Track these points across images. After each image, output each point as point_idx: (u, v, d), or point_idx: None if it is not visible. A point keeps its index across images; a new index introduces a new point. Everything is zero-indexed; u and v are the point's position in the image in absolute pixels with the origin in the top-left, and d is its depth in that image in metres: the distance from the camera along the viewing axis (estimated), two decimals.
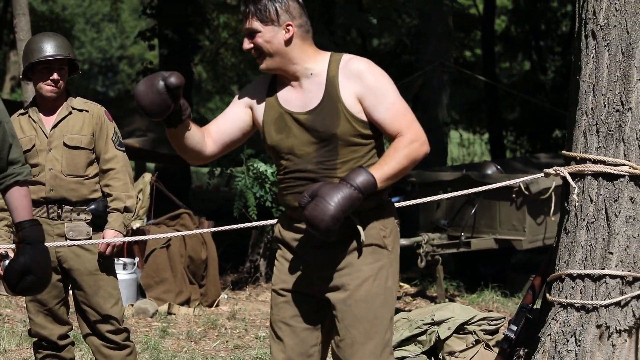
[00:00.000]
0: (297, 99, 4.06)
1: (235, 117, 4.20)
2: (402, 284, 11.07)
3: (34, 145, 5.46)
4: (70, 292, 5.66)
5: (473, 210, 10.13)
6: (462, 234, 10.05)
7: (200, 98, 34.29)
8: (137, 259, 9.64)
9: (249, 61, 27.00)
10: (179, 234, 6.09)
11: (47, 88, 5.44)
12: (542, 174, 4.92)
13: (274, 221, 4.75)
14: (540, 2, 26.42)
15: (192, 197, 18.16)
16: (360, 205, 3.88)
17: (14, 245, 3.96)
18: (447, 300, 9.64)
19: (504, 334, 5.34)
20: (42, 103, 5.54)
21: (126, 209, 5.55)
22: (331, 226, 3.79)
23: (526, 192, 9.80)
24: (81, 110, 5.55)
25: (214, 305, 9.69)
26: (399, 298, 10.31)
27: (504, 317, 7.09)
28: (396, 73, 22.11)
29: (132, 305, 9.17)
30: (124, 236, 5.61)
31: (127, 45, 50.14)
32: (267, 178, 10.30)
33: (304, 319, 4.12)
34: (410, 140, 3.92)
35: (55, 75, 5.42)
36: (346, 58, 4.04)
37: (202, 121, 18.60)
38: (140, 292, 9.62)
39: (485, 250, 10.39)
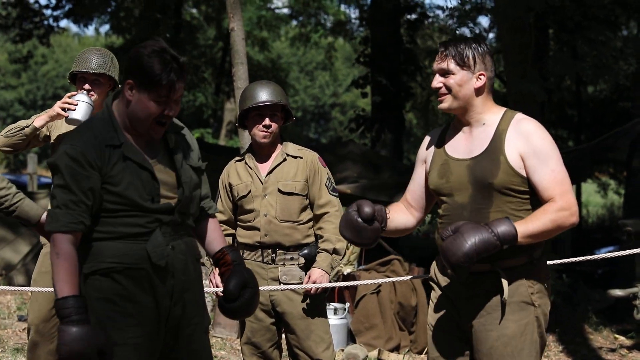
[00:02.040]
0: (463, 146, 4.27)
1: (420, 178, 4.49)
2: (617, 335, 10.75)
3: (249, 191, 5.59)
4: (283, 335, 5.76)
5: None
6: None
7: (410, 145, 34.41)
8: (347, 304, 9.70)
9: None
10: (390, 279, 6.09)
11: (260, 134, 5.57)
12: None
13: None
14: None
15: (402, 244, 18.20)
16: (510, 261, 4.12)
17: None
18: None
19: None
20: (257, 149, 5.67)
21: (335, 251, 5.60)
22: (462, 262, 3.95)
23: None
24: (295, 157, 5.65)
25: (424, 352, 9.64)
26: (613, 350, 10.01)
27: None
28: (611, 120, 21.63)
29: (343, 350, 9.23)
30: (333, 281, 5.68)
31: (340, 92, 50.94)
32: None
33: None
34: (560, 207, 4.04)
35: (267, 121, 5.56)
36: (519, 117, 4.22)
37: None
38: (351, 338, 9.68)
39: None
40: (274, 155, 5.66)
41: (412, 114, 28.51)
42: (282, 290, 5.54)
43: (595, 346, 10.29)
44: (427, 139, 4.49)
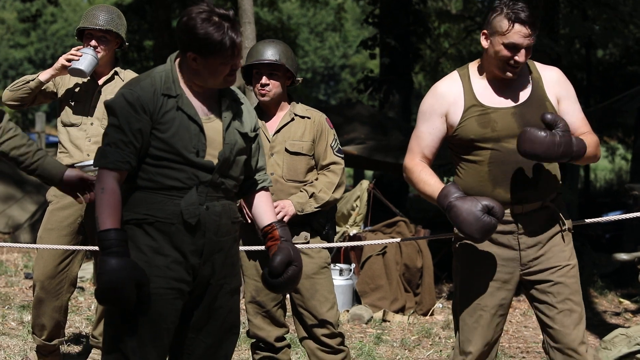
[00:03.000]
0: (500, 95, 4.52)
1: (439, 132, 4.61)
2: (621, 299, 10.78)
3: None
4: (288, 295, 5.77)
5: None
6: None
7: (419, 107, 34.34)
8: (353, 265, 9.73)
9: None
10: (395, 240, 6.10)
11: (258, 92, 5.54)
12: None
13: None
14: None
15: (409, 205, 18.20)
16: (552, 196, 4.53)
17: None
18: None
19: None
20: (264, 108, 5.65)
21: (314, 196, 5.53)
22: (537, 146, 4.25)
23: None
24: (303, 117, 5.63)
25: (429, 314, 9.68)
26: (617, 314, 10.04)
27: None
28: (621, 84, 21.55)
29: (348, 311, 9.26)
30: (339, 241, 5.66)
31: (350, 54, 50.82)
32: None
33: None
34: (598, 143, 4.56)
35: (264, 80, 5.50)
36: (540, 65, 4.63)
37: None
38: (356, 298, 9.72)
39: None
40: (281, 114, 5.64)
41: (421, 76, 28.44)
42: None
43: (600, 310, 10.33)
44: (441, 91, 4.62)
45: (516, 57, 4.37)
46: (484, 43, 4.48)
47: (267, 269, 4.11)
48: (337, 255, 10.00)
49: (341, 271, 9.48)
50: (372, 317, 9.21)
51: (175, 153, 3.90)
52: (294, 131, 5.58)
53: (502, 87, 4.50)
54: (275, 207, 5.36)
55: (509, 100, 4.48)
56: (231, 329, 4.15)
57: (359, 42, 21.33)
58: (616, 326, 8.80)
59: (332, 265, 5.99)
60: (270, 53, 5.52)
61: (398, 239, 6.73)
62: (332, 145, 5.63)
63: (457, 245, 4.63)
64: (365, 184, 10.86)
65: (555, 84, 4.54)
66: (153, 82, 3.94)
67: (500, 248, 4.52)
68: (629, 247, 11.09)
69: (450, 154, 4.66)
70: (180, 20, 3.92)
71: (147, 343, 3.88)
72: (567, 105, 4.53)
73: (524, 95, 4.49)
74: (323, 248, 5.60)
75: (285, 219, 5.42)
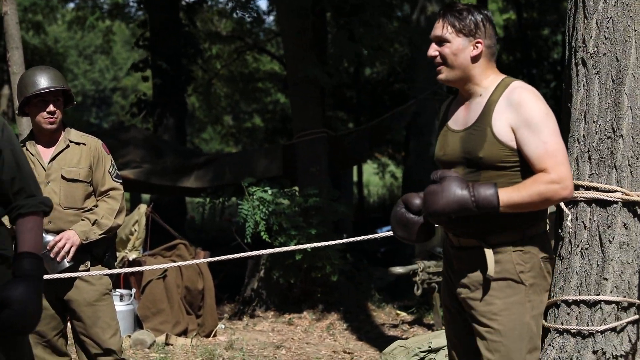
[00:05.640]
0: (462, 117, 4.15)
1: None
2: (399, 312, 11.09)
3: None
4: (69, 323, 5.68)
5: None
6: None
7: (194, 128, 34.34)
8: (133, 290, 9.65)
9: (241, 91, 27.07)
10: (175, 264, 6.08)
11: (45, 121, 5.48)
12: None
13: (269, 251, 4.83)
14: (531, 30, 26.54)
15: (187, 227, 18.17)
16: (499, 237, 4.03)
17: None
18: (443, 327, 9.65)
19: None
20: (40, 136, 5.57)
21: (97, 223, 5.50)
22: (435, 216, 3.92)
23: None
24: (78, 144, 5.59)
25: (212, 335, 9.70)
26: (395, 326, 10.31)
27: None
28: (389, 101, 22.21)
29: (130, 336, 9.17)
30: (119, 267, 5.63)
31: (120, 77, 50.26)
32: (268, 203, 10.40)
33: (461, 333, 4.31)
34: (551, 180, 3.91)
35: (51, 107, 5.47)
36: (514, 85, 4.06)
37: (197, 151, 18.65)
38: (138, 323, 9.63)
39: None
40: (57, 142, 5.58)
41: (195, 97, 28.46)
42: (66, 278, 5.46)
43: (379, 323, 10.60)
44: (441, 109, 4.37)
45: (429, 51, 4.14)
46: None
47: None
48: (117, 281, 9.89)
49: (122, 297, 9.38)
50: (154, 341, 9.15)
51: None
52: (70, 158, 5.53)
53: (467, 108, 4.17)
54: (60, 240, 5.31)
55: (465, 122, 4.13)
56: None
57: (130, 64, 21.17)
58: (395, 338, 9.06)
59: (113, 291, 5.92)
60: (52, 79, 5.47)
61: (178, 263, 6.73)
62: (110, 170, 5.61)
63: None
64: (143, 207, 10.79)
65: (511, 108, 3.98)
66: None
67: None
68: (404, 261, 11.43)
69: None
70: None
71: None
72: (523, 135, 3.96)
73: (473, 118, 4.10)
74: (104, 275, 5.56)
75: (72, 249, 5.36)
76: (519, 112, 3.95)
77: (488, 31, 4.10)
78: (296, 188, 11.26)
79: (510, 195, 3.89)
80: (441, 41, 4.08)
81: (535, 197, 3.90)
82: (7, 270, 3.81)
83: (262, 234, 10.28)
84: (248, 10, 12.56)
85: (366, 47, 12.38)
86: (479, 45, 4.07)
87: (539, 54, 27.16)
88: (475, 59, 4.08)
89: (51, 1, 28.49)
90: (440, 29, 4.07)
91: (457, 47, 4.05)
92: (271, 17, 24.39)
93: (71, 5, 28.41)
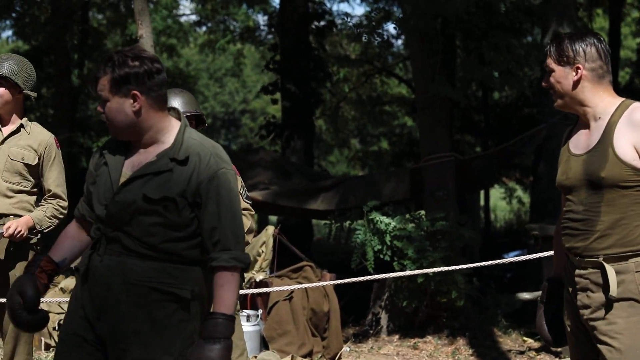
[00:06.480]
0: (583, 141, 4.22)
1: None
2: (525, 338, 10.93)
3: None
4: None
5: None
6: None
7: (321, 151, 34.53)
8: (260, 311, 9.71)
9: (369, 114, 27.11)
10: (302, 286, 6.13)
11: None
12: None
13: (395, 274, 4.82)
14: None
15: (313, 250, 18.25)
16: (623, 257, 4.05)
17: None
18: None
19: None
20: None
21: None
22: None
23: None
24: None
25: (337, 357, 9.70)
26: (522, 353, 10.18)
27: None
28: (517, 125, 21.95)
29: (256, 357, 9.23)
30: (246, 287, 5.68)
31: (250, 99, 50.87)
32: (387, 232, 10.36)
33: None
34: None
35: None
36: (634, 106, 4.11)
37: (324, 174, 18.74)
38: (264, 344, 9.70)
39: None
40: None
41: (322, 120, 28.63)
42: None
43: (505, 349, 10.46)
44: (564, 135, 4.45)
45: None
46: None
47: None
48: (244, 302, 9.98)
49: (248, 317, 9.45)
50: None
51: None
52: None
53: (588, 132, 4.23)
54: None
55: (587, 146, 4.18)
56: None
57: (260, 87, 21.44)
58: None
59: (239, 311, 5.98)
60: (184, 104, 5.70)
61: (304, 285, 6.76)
62: (241, 192, 5.66)
63: None
64: (270, 229, 10.88)
65: (633, 128, 4.03)
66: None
67: None
68: (531, 286, 11.28)
69: None
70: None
71: None
72: None
73: (594, 141, 4.15)
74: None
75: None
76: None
77: (591, 55, 4.17)
78: (422, 212, 11.20)
79: None
80: (549, 71, 4.23)
81: None
82: (181, 312, 3.87)
83: (385, 257, 10.26)
84: (377, 35, 12.56)
85: (496, 70, 12.26)
86: (579, 70, 4.15)
87: None
88: (576, 84, 4.18)
89: (184, 25, 29.06)
90: (547, 60, 4.24)
91: (559, 75, 4.21)
92: (399, 41, 24.41)
93: (203, 28, 28.86)
